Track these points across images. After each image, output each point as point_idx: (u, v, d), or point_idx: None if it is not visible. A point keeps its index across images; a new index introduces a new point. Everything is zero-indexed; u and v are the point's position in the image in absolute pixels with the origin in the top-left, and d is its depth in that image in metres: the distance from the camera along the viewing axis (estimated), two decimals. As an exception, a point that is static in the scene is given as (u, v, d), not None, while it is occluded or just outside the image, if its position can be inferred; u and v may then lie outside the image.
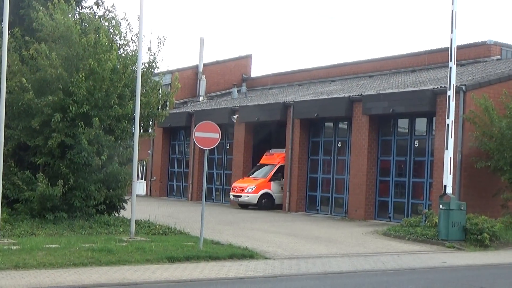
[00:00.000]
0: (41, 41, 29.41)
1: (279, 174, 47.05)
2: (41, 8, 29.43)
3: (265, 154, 49.77)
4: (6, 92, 25.57)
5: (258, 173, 48.07)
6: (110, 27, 31.21)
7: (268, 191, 47.21)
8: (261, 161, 49.54)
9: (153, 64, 31.23)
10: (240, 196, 46.50)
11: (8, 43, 26.52)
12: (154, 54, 31.24)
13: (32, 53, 29.17)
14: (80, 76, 28.39)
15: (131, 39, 31.44)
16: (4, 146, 25.27)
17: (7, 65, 25.76)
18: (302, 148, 45.54)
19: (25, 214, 28.52)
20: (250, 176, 48.16)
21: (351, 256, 25.45)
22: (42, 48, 28.81)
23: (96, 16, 31.52)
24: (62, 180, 28.18)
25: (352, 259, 24.71)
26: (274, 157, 48.35)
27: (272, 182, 47.43)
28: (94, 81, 28.85)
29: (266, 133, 50.26)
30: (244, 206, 47.08)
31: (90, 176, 29.00)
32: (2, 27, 25.73)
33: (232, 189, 48.00)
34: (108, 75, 29.01)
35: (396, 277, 21.73)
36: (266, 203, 46.74)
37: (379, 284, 20.29)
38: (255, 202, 46.22)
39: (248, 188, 46.20)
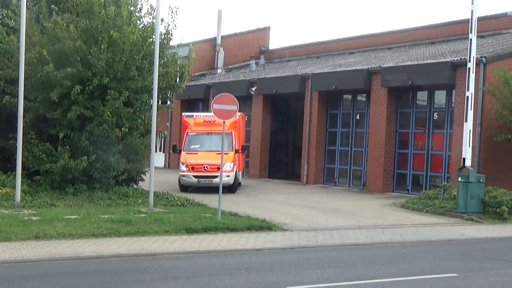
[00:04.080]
0: (65, 12, 29.51)
1: (242, 146, 40.43)
2: None
3: (194, 118, 40.51)
4: (25, 64, 25.77)
5: (209, 144, 38.06)
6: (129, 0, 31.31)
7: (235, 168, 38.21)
8: (196, 128, 39.42)
9: (169, 35, 31.27)
10: (215, 177, 34.84)
11: (28, 13, 26.70)
12: (168, 24, 31.32)
13: (52, 24, 29.30)
14: (102, 47, 28.55)
15: (147, 11, 31.51)
16: (23, 117, 25.48)
17: (27, 36, 25.95)
18: (320, 120, 45.48)
19: (45, 185, 28.77)
20: (197, 149, 38.20)
21: (369, 228, 25.62)
22: (60, 20, 28.95)
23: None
24: (86, 157, 28.45)
25: (370, 231, 24.87)
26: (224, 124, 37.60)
27: (236, 157, 38.88)
28: (113, 53, 28.94)
29: (284, 106, 50.28)
30: (211, 189, 35.76)
31: (109, 148, 29.17)
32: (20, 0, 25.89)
33: (193, 168, 36.65)
34: (128, 48, 29.14)
35: (414, 249, 21.81)
36: (236, 184, 38.20)
37: (397, 255, 20.36)
38: (232, 183, 37.18)
39: (227, 166, 35.88)
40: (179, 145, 39.59)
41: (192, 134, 39.07)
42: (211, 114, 33.50)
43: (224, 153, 32.88)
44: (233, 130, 38.50)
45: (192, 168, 36.60)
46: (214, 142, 37.18)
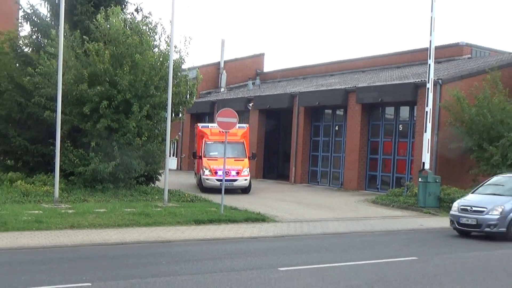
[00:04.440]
0: (95, 41, 29.62)
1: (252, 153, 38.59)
2: (102, 10, 29.76)
3: (210, 129, 37.82)
4: (62, 84, 25.85)
5: (223, 152, 34.05)
6: (148, 30, 31.35)
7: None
8: (212, 137, 37.08)
9: (181, 60, 31.32)
10: (236, 180, 34.68)
11: (65, 41, 26.81)
12: (181, 51, 31.29)
13: (85, 50, 29.38)
14: (125, 69, 28.66)
15: (164, 40, 31.58)
16: (61, 128, 25.56)
17: (64, 61, 26.04)
18: (305, 131, 45.42)
19: (79, 184, 28.84)
20: (216, 156, 35.69)
21: (345, 220, 25.69)
22: (94, 47, 29.06)
23: (136, 21, 31.51)
24: (114, 162, 28.54)
25: (346, 222, 24.96)
26: (235, 133, 35.69)
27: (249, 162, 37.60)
28: (135, 75, 29.04)
29: (275, 119, 50.31)
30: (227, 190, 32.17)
31: (131, 154, 29.24)
32: (58, 32, 25.99)
33: (216, 172, 34.48)
34: (148, 70, 29.24)
35: (382, 237, 21.90)
36: (250, 186, 36.50)
37: (368, 242, 20.44)
38: (247, 185, 35.76)
39: (245, 171, 35.30)
40: (198, 152, 37.98)
41: (210, 142, 36.74)
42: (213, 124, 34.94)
43: (240, 160, 35.47)
44: (243, 139, 37.57)
45: (215, 172, 34.33)
46: (230, 149, 34.55)
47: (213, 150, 34.98)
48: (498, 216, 20.58)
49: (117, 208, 24.17)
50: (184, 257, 16.65)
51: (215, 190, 32.13)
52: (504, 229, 20.56)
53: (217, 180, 33.51)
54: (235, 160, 35.09)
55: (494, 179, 24.15)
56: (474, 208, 21.28)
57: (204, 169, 34.95)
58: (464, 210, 21.53)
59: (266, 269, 14.96)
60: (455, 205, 22.46)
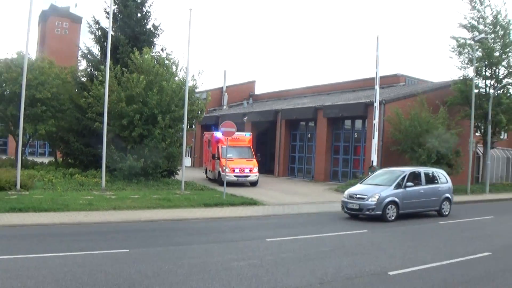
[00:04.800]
0: (132, 72, 29.71)
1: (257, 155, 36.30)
2: (136, 52, 30.02)
3: (223, 135, 29.15)
4: (108, 103, 25.97)
5: (237, 155, 34.51)
6: (170, 64, 31.46)
7: None
8: (224, 143, 32.38)
9: (195, 86, 31.38)
10: (249, 176, 33.50)
11: (110, 72, 26.94)
12: (195, 80, 31.30)
13: (125, 80, 29.44)
14: (154, 91, 28.71)
15: (183, 71, 31.67)
16: (106, 136, 25.70)
17: (109, 86, 26.16)
18: (286, 138, 45.38)
19: (119, 177, 28.89)
20: (231, 158, 33.41)
21: (315, 203, 25.63)
22: (131, 77, 29.13)
23: (162, 57, 31.65)
24: (142, 159, 28.60)
25: (316, 205, 24.92)
26: (244, 140, 35.82)
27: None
28: (161, 96, 29.10)
29: (263, 129, 50.31)
30: (239, 184, 33.41)
31: (158, 154, 29.19)
32: (105, 66, 26.13)
33: (234, 170, 33.19)
34: (170, 93, 29.30)
35: (342, 215, 21.73)
36: (257, 180, 34.50)
37: (330, 220, 20.48)
38: (256, 180, 34.07)
39: (255, 169, 33.83)
40: (217, 154, 34.80)
41: (225, 147, 32.33)
42: (240, 133, 34.91)
43: (250, 160, 34.14)
44: (249, 144, 35.98)
45: (233, 170, 32.98)
46: (241, 152, 34.63)
47: (228, 152, 32.07)
48: (375, 202, 20.03)
49: (147, 195, 24.15)
50: (195, 230, 16.71)
51: (229, 183, 31.40)
52: (380, 212, 20.01)
53: (235, 176, 32.92)
54: (246, 160, 34.20)
55: (377, 172, 23.51)
56: (358, 196, 20.66)
57: (224, 168, 31.55)
58: (351, 197, 20.95)
59: (257, 240, 15.02)
60: (346, 193, 21.73)
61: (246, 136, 36.01)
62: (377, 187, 21.11)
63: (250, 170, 33.62)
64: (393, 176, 21.68)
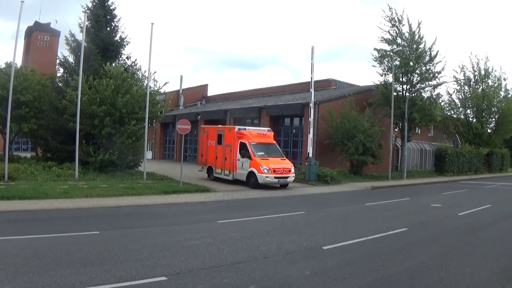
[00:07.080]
0: (101, 77, 29.22)
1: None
2: (107, 63, 29.61)
3: (249, 131, 28.31)
4: (80, 105, 25.45)
5: (267, 152, 27.46)
6: (135, 70, 31.13)
7: None
8: (254, 139, 27.68)
9: (156, 90, 30.86)
10: (288, 177, 26.47)
11: (82, 79, 26.38)
12: (155, 84, 31.00)
13: (95, 84, 28.86)
14: (121, 95, 28.27)
15: (145, 77, 31.20)
16: (79, 133, 25.09)
17: (81, 90, 25.56)
18: (236, 133, 45.40)
19: (91, 169, 28.33)
20: (264, 156, 27.06)
21: (260, 190, 25.65)
22: (101, 82, 28.59)
23: (128, 65, 31.34)
24: (116, 152, 28.17)
25: (261, 191, 24.98)
26: (269, 136, 29.03)
27: None
28: (127, 99, 28.64)
29: (215, 125, 50.01)
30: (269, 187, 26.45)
31: (124, 149, 28.71)
32: (79, 73, 25.63)
33: (274, 171, 25.99)
34: (136, 97, 28.93)
35: (283, 200, 22.07)
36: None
37: (274, 203, 20.52)
38: (292, 181, 27.35)
39: (292, 169, 26.94)
40: (245, 152, 27.12)
41: (254, 143, 27.16)
42: (260, 128, 30.41)
43: (284, 159, 27.64)
44: (274, 141, 29.42)
45: (274, 171, 25.88)
46: (271, 150, 27.87)
47: (258, 150, 27.05)
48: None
49: (114, 184, 23.63)
50: (157, 214, 16.56)
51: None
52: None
53: (275, 177, 26.07)
54: (281, 159, 27.41)
55: None
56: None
57: (261, 168, 26.10)
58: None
59: (209, 222, 15.03)
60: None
61: (268, 131, 29.51)
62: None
63: (290, 171, 26.74)
64: None
